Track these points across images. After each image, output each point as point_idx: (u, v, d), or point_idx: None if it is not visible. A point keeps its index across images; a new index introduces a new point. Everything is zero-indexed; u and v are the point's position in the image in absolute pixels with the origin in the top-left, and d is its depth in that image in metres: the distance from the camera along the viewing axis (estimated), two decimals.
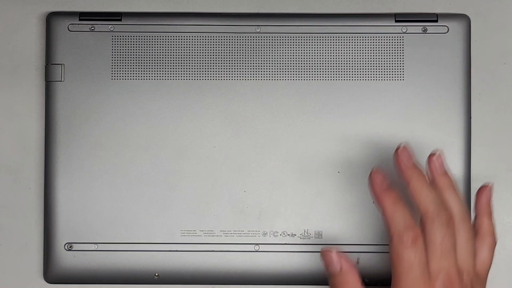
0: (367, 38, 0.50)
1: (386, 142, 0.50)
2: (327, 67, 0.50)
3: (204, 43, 0.51)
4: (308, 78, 0.50)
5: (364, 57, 0.50)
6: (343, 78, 0.50)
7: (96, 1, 0.52)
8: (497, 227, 0.52)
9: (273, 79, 0.50)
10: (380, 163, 0.50)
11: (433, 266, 0.42)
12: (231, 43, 0.51)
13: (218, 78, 0.50)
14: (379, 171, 0.44)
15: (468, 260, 0.43)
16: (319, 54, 0.50)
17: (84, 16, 0.51)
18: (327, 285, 0.50)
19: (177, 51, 0.51)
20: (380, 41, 0.50)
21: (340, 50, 0.50)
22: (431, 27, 0.51)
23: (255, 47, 0.51)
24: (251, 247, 0.50)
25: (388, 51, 0.50)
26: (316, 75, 0.50)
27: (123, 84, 0.50)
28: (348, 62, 0.50)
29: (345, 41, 0.50)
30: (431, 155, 0.45)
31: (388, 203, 0.43)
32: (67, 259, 0.50)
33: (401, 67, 0.50)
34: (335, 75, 0.50)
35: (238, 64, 0.50)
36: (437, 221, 0.42)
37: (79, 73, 0.50)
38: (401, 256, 0.42)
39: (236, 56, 0.50)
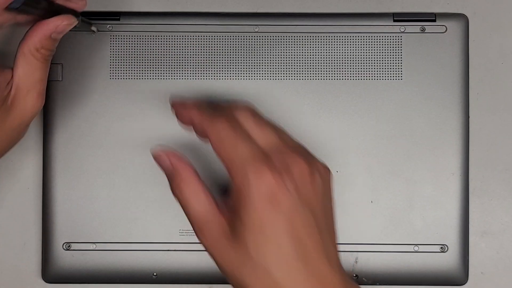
0: (365, 38, 0.50)
1: (384, 142, 0.50)
2: (325, 67, 0.50)
3: (202, 43, 0.51)
4: (306, 78, 0.50)
5: (362, 56, 0.50)
6: (341, 78, 0.50)
7: (95, 1, 0.52)
8: (496, 227, 0.52)
9: (271, 79, 0.50)
10: (378, 162, 0.50)
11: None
12: (229, 43, 0.51)
13: (217, 77, 0.50)
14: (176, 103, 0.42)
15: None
16: (317, 54, 0.50)
17: (83, 15, 0.50)
18: None
19: (176, 50, 0.50)
20: (379, 40, 0.50)
21: (338, 50, 0.50)
22: (429, 26, 0.51)
23: (253, 47, 0.50)
24: None
25: (387, 51, 0.50)
26: (314, 75, 0.50)
27: (121, 83, 0.50)
28: (346, 62, 0.50)
29: (344, 40, 0.50)
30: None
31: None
32: (65, 259, 0.50)
33: (399, 67, 0.50)
34: (333, 75, 0.50)
35: (237, 64, 0.50)
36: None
37: (78, 72, 0.50)
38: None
39: (234, 56, 0.50)
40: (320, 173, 0.42)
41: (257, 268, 0.39)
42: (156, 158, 0.43)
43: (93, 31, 0.49)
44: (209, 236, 0.41)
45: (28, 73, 0.43)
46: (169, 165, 0.43)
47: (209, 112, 0.42)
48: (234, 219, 0.40)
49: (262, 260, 0.39)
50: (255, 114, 0.43)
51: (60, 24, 0.42)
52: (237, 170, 0.40)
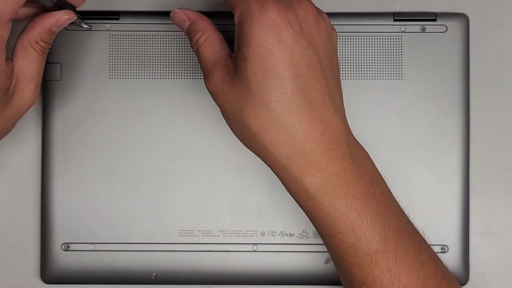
0: (365, 37, 0.50)
1: (384, 141, 0.50)
2: None
3: None
4: None
5: (362, 56, 0.50)
6: (341, 77, 0.50)
7: (94, 0, 0.52)
8: (497, 227, 0.51)
9: None
10: (378, 161, 0.50)
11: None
12: (229, 42, 0.50)
13: None
14: None
15: None
16: None
17: (82, 15, 0.50)
18: (326, 284, 0.50)
19: (175, 50, 0.50)
20: (379, 40, 0.50)
21: (338, 49, 0.50)
22: (429, 26, 0.50)
23: None
24: (249, 247, 0.50)
25: (387, 50, 0.50)
26: None
27: (120, 83, 0.50)
28: (346, 61, 0.50)
29: (344, 40, 0.50)
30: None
31: None
32: (64, 259, 0.50)
33: (400, 66, 0.50)
34: None
35: None
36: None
37: (77, 72, 0.50)
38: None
39: None
40: (326, 23, 0.42)
41: (257, 105, 0.39)
42: (174, 16, 0.44)
43: (86, 28, 0.50)
44: (216, 79, 0.41)
45: (27, 65, 0.43)
46: (186, 19, 0.43)
47: None
48: (237, 57, 0.40)
49: (263, 94, 0.39)
50: None
51: (61, 18, 0.43)
52: (240, 4, 0.40)
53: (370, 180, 0.41)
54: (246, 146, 0.42)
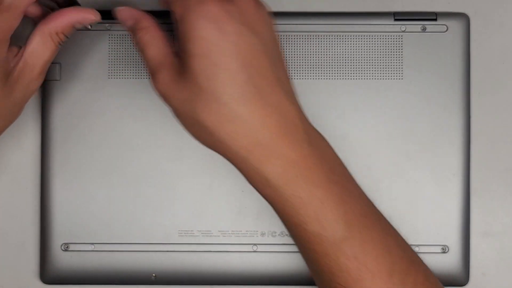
0: (366, 37, 0.50)
1: (384, 142, 0.50)
2: (325, 66, 0.50)
3: None
4: (306, 77, 0.50)
5: (363, 55, 0.50)
6: (341, 77, 0.50)
7: (93, 0, 0.52)
8: (497, 228, 0.51)
9: None
10: (378, 162, 0.50)
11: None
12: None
13: None
14: None
15: None
16: (317, 53, 0.50)
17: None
18: None
19: None
20: (379, 40, 0.50)
21: (338, 49, 0.50)
22: (430, 26, 0.50)
23: None
24: (249, 247, 0.50)
25: (387, 50, 0.50)
26: (314, 74, 0.50)
27: (120, 83, 0.50)
28: (346, 61, 0.50)
29: (344, 39, 0.50)
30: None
31: None
32: (63, 260, 0.50)
33: (400, 66, 0.50)
34: (333, 74, 0.50)
35: None
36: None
37: (76, 72, 0.50)
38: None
39: None
40: (265, 11, 0.41)
41: (209, 100, 0.39)
42: (118, 13, 0.44)
43: (89, 28, 0.49)
44: (162, 79, 0.41)
45: (39, 52, 0.44)
46: (130, 16, 0.43)
47: None
48: (182, 55, 0.40)
49: (214, 89, 0.38)
50: None
51: (87, 17, 0.44)
52: (179, 2, 0.40)
53: (331, 168, 0.41)
54: (203, 144, 0.41)
